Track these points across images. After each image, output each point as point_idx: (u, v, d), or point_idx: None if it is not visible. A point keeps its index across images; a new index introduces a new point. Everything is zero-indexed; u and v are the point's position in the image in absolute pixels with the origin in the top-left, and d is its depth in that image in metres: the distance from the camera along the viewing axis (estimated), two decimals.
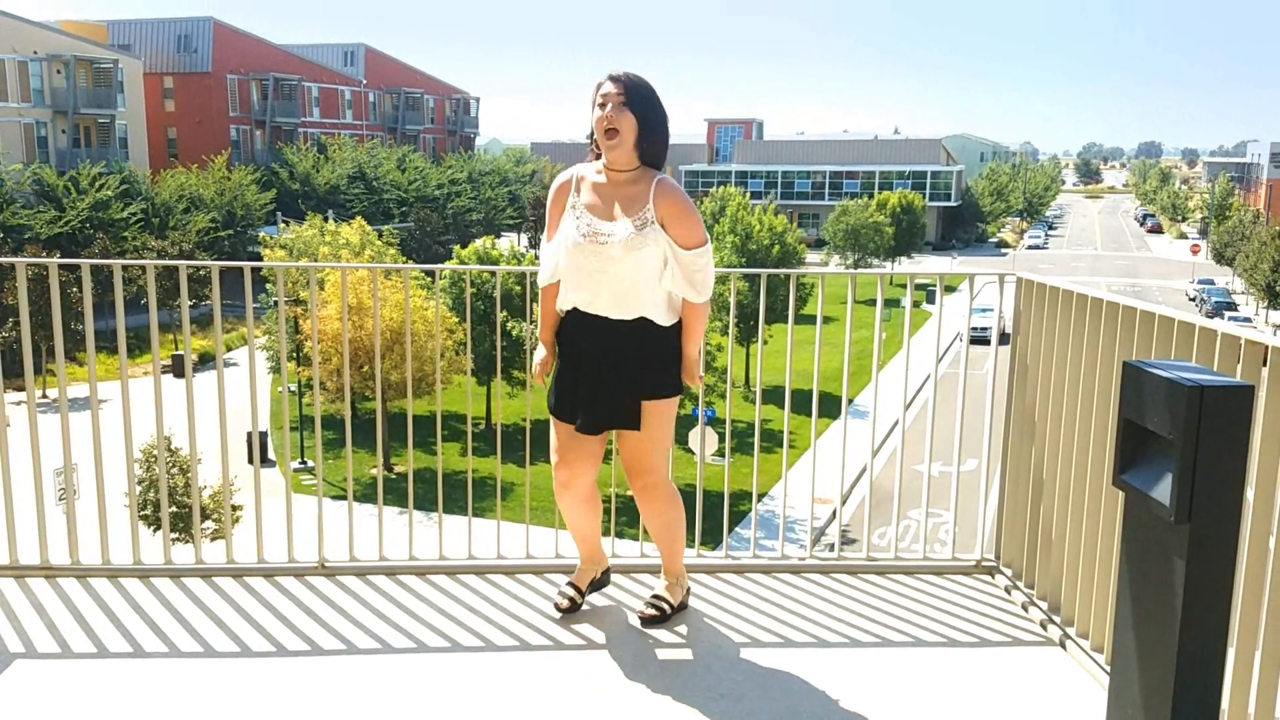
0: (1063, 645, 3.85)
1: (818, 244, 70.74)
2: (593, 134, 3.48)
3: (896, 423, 29.57)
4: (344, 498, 24.81)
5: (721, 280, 31.16)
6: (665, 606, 3.91)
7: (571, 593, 3.98)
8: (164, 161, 59.63)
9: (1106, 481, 3.60)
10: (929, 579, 4.50)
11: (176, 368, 36.40)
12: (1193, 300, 58.80)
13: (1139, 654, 2.54)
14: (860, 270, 4.69)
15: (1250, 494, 2.77)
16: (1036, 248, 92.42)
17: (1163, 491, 2.41)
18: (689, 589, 4.09)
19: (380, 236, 39.91)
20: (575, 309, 3.60)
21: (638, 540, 4.76)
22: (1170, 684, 2.42)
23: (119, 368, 4.29)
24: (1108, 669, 3.46)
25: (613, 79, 3.43)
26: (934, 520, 21.75)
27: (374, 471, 28.41)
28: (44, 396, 35.41)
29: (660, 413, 3.62)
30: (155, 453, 21.27)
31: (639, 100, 3.42)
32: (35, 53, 50.91)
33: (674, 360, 3.65)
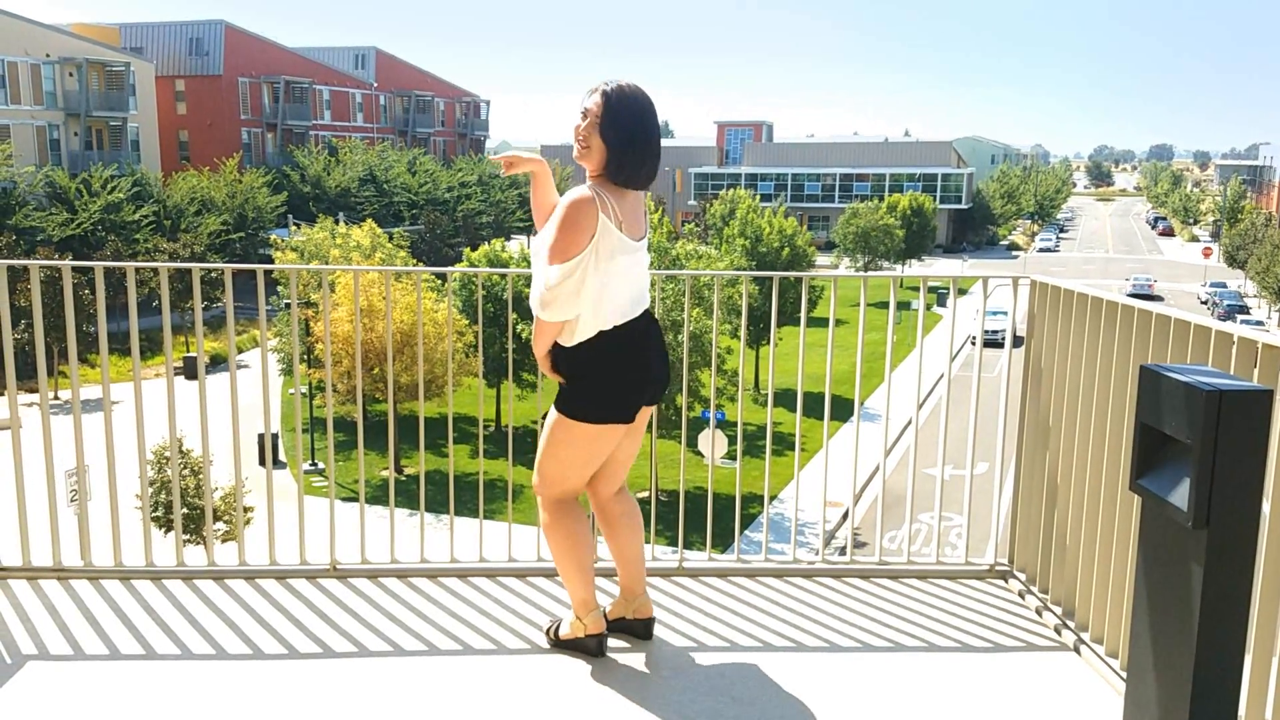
0: (1077, 651, 3.83)
1: (828, 246, 70.66)
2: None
3: (909, 424, 29.52)
4: (355, 500, 24.90)
5: (732, 283, 30.58)
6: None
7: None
8: (175, 164, 59.87)
9: (1122, 486, 3.58)
10: (942, 583, 4.48)
11: (189, 370, 36.48)
12: (1205, 303, 58.54)
13: (1155, 660, 2.52)
14: (873, 273, 4.67)
15: (1267, 500, 2.75)
16: (1048, 250, 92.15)
17: (1180, 496, 2.40)
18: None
19: (391, 239, 39.98)
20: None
21: (648, 544, 4.75)
22: (1187, 690, 2.40)
23: (131, 370, 4.29)
24: (1123, 675, 3.44)
25: (604, 94, 3.29)
26: (945, 524, 21.69)
27: (385, 474, 28.44)
28: (56, 398, 35.55)
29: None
30: (167, 454, 21.35)
31: (612, 125, 3.28)
32: (48, 56, 51.15)
33: None
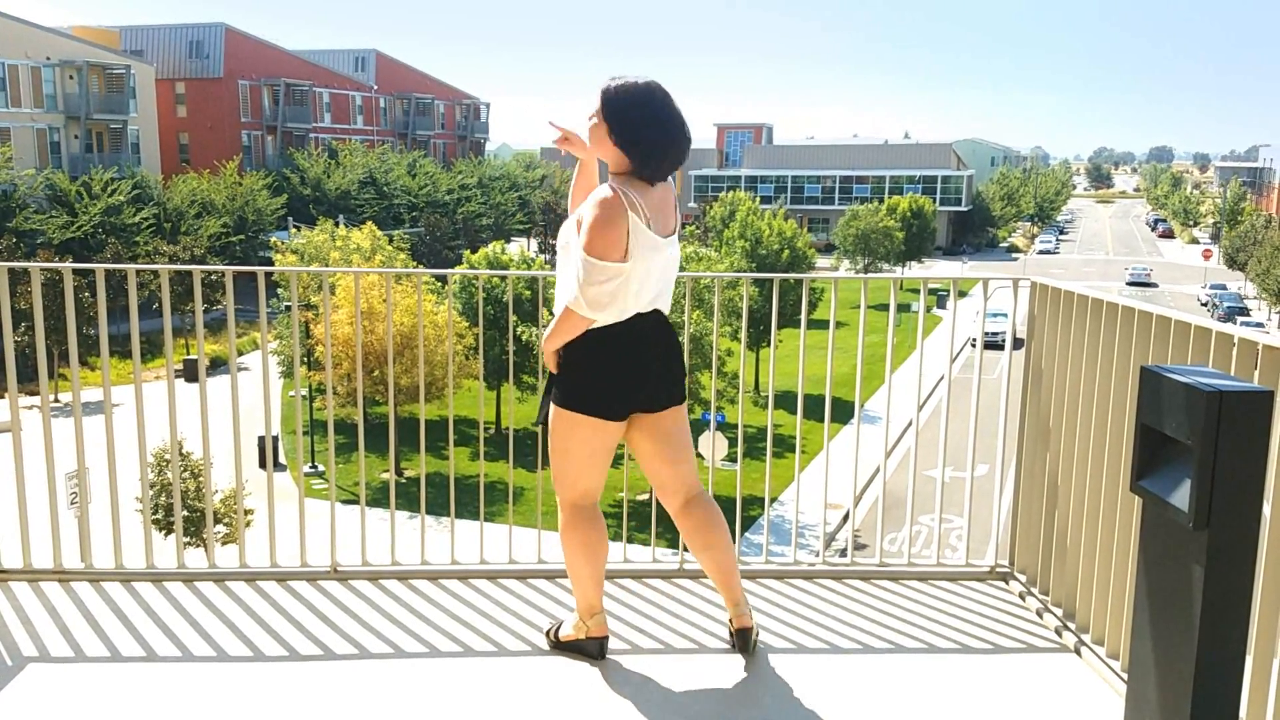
0: (1078, 652, 3.83)
1: (828, 249, 70.67)
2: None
3: (909, 426, 29.50)
4: (356, 502, 24.87)
5: (732, 285, 30.53)
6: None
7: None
8: (175, 167, 59.88)
9: (1123, 487, 3.58)
10: (942, 585, 4.48)
11: (189, 372, 36.51)
12: (1205, 305, 58.57)
13: (1156, 661, 2.52)
14: (873, 275, 4.66)
15: (1268, 502, 2.75)
16: (1048, 252, 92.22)
17: (1181, 497, 2.40)
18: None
19: (391, 241, 40.02)
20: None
21: (649, 545, 4.76)
22: (1188, 691, 2.40)
23: (132, 372, 4.30)
24: (1124, 676, 3.44)
25: (602, 93, 3.31)
26: (946, 525, 21.68)
27: (386, 476, 28.44)
28: (57, 401, 35.55)
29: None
30: (168, 457, 21.35)
31: (617, 122, 3.29)
32: (48, 58, 51.17)
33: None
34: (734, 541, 4.53)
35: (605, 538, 3.57)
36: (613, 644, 3.76)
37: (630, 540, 4.76)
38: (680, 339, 3.57)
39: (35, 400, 29.24)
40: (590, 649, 3.64)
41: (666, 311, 3.47)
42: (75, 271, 4.27)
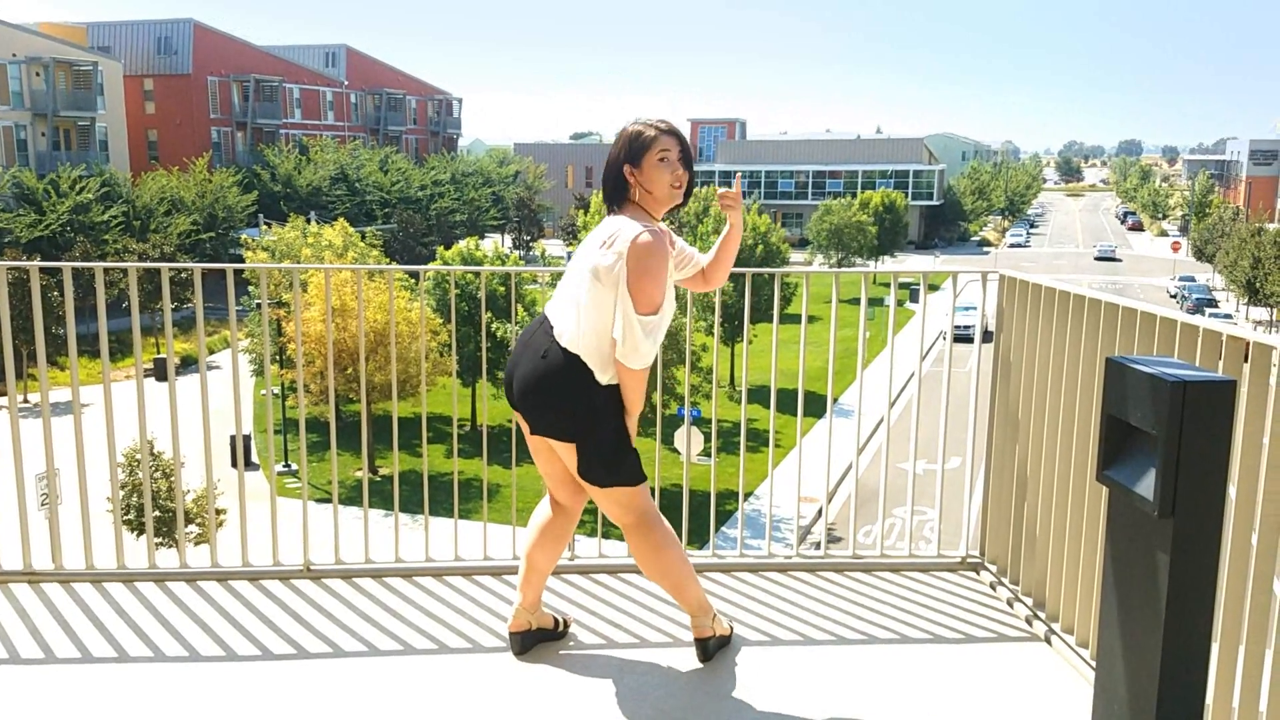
0: (1048, 641, 3.87)
1: (801, 243, 70.86)
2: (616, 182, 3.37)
3: (881, 420, 29.66)
4: (329, 501, 24.72)
5: None
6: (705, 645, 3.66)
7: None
8: (144, 164, 59.31)
9: (1090, 477, 3.62)
10: (914, 576, 4.52)
11: (159, 371, 36.19)
12: (1173, 297, 59.14)
13: (1124, 649, 2.55)
14: (844, 269, 4.69)
15: (1232, 489, 2.79)
16: (1018, 246, 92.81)
17: (1146, 486, 2.43)
18: (715, 614, 3.68)
19: (363, 238, 39.77)
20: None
21: (624, 540, 4.76)
22: (1155, 678, 2.43)
23: (101, 371, 4.26)
24: (1093, 664, 3.48)
25: (678, 136, 3.32)
26: (918, 518, 21.80)
27: (359, 474, 28.30)
28: (25, 401, 35.17)
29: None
30: (138, 456, 21.15)
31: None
32: (14, 55, 50.53)
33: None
34: (710, 536, 4.55)
35: (540, 533, 3.59)
36: (587, 638, 3.77)
37: (606, 536, 4.76)
38: (564, 376, 3.24)
39: (3, 401, 28.91)
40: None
41: (554, 324, 3.31)
42: (42, 270, 4.23)
